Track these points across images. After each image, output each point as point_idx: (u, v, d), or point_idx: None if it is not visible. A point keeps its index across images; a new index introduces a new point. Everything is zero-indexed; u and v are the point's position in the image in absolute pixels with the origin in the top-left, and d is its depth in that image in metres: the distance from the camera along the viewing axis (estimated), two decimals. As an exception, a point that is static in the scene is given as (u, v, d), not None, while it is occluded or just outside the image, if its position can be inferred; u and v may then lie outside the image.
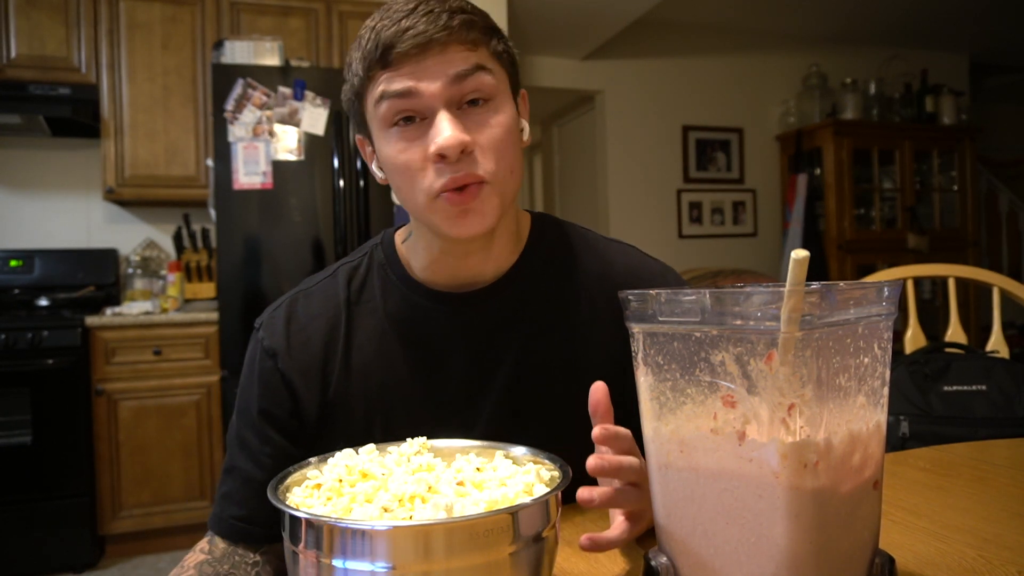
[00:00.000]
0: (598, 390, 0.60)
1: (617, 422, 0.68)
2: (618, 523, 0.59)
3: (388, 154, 0.71)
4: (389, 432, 0.78)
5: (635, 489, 0.59)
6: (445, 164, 0.67)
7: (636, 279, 0.83)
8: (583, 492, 0.57)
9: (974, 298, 4.43)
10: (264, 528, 0.76)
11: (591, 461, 0.56)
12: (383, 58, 0.67)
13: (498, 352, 0.80)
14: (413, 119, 0.69)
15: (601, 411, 0.60)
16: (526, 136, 0.77)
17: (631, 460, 0.58)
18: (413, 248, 0.80)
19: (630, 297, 0.50)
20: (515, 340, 0.80)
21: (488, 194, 0.70)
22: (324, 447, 0.77)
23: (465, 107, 0.69)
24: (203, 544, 0.76)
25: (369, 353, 0.79)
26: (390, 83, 0.67)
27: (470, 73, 0.68)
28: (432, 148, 0.67)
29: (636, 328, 0.50)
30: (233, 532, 0.76)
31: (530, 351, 0.80)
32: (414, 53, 0.66)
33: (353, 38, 0.72)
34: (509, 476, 0.53)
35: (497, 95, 0.71)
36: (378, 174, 0.77)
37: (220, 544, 0.75)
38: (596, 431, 0.58)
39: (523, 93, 0.79)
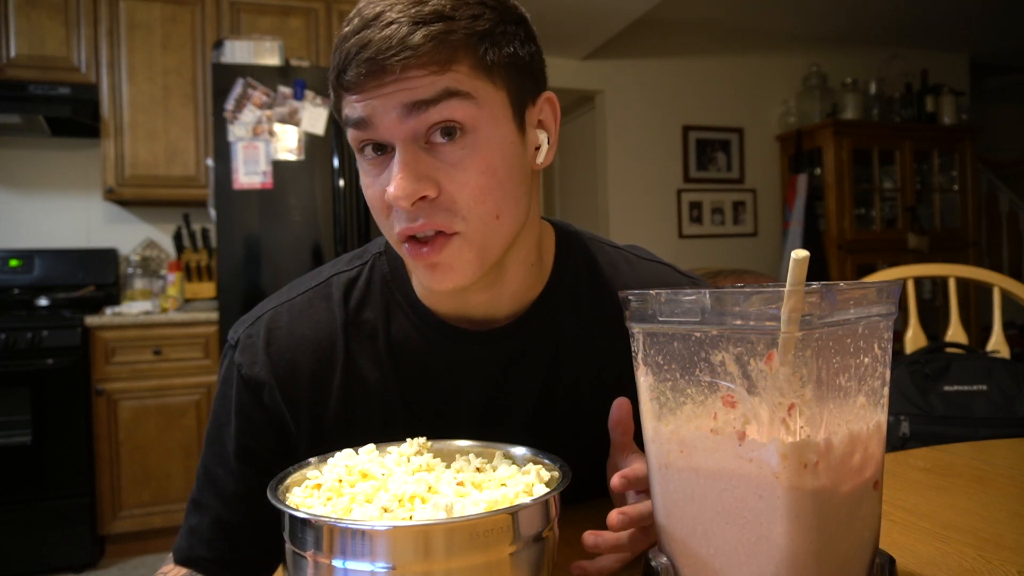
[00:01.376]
0: (621, 407, 0.56)
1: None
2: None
3: (361, 182, 0.62)
4: None
5: (645, 532, 0.56)
6: (401, 210, 0.58)
7: None
8: (588, 537, 0.55)
9: (974, 298, 4.43)
10: (246, 567, 0.70)
11: (613, 518, 0.53)
12: (338, 80, 0.57)
13: (516, 393, 0.71)
14: (384, 147, 0.59)
15: (621, 429, 0.57)
16: (543, 158, 0.64)
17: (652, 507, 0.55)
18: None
19: (630, 297, 0.50)
20: (536, 380, 0.71)
21: (459, 248, 0.59)
22: None
23: (436, 140, 0.57)
24: (175, 572, 0.70)
25: (370, 385, 0.69)
26: (351, 108, 0.58)
27: (433, 102, 0.55)
28: (386, 197, 0.57)
29: (636, 328, 0.50)
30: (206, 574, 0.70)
31: (553, 392, 0.72)
32: (375, 74, 0.55)
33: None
34: (509, 476, 0.53)
35: (479, 125, 0.57)
36: None
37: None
38: (615, 481, 0.55)
39: (547, 97, 0.65)
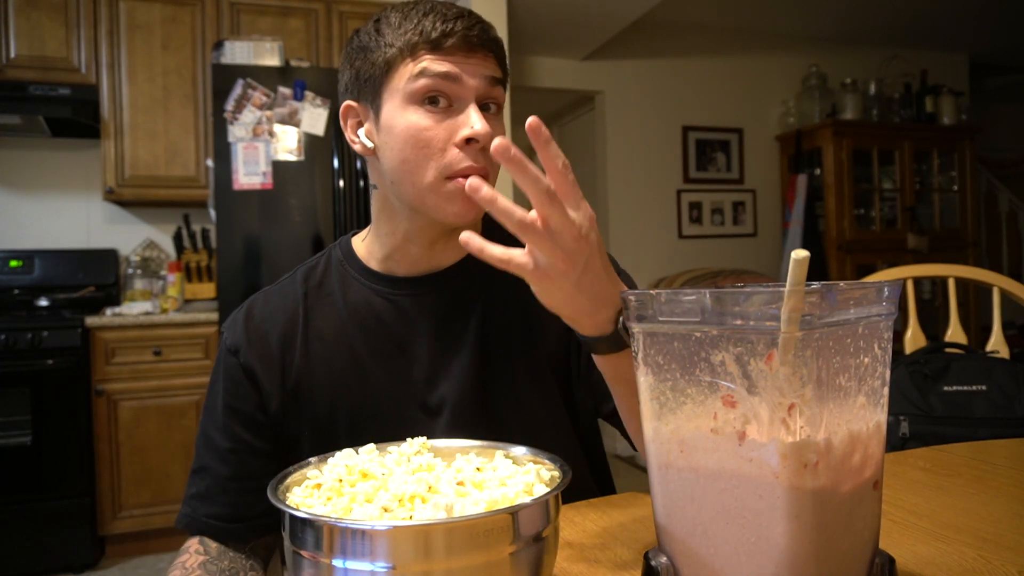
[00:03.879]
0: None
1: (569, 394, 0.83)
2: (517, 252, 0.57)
3: (406, 126, 0.73)
4: (354, 417, 0.80)
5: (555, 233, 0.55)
6: (471, 149, 0.73)
7: None
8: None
9: (974, 298, 4.43)
10: (246, 523, 0.78)
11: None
12: (436, 42, 0.73)
13: (459, 333, 0.82)
14: (438, 101, 0.74)
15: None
16: None
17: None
18: (373, 241, 0.85)
19: (630, 297, 0.50)
20: (475, 320, 0.83)
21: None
22: (290, 435, 0.81)
23: (484, 107, 0.76)
24: (195, 545, 0.77)
25: (329, 342, 0.82)
26: (436, 64, 0.73)
27: (499, 82, 0.77)
28: (467, 132, 0.72)
29: (636, 328, 0.50)
30: (218, 532, 0.78)
31: (491, 331, 0.83)
32: (464, 48, 0.74)
33: (353, 39, 0.78)
34: (509, 476, 0.53)
35: (501, 106, 0.79)
36: (366, 143, 0.78)
37: (212, 543, 0.77)
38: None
39: None
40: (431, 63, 0.73)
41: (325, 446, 0.78)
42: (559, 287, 0.57)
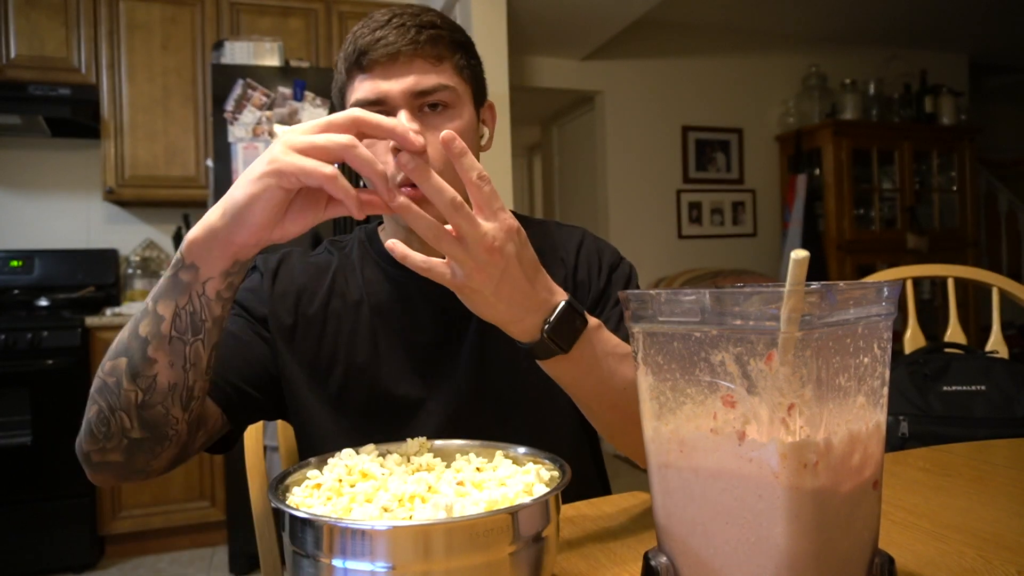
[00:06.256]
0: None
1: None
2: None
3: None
4: (347, 379, 0.82)
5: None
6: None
7: (588, 254, 0.92)
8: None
9: (973, 298, 4.43)
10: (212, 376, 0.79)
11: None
12: (358, 62, 0.77)
13: (461, 321, 0.84)
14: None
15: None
16: (485, 141, 0.88)
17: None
18: (386, 228, 0.92)
19: (630, 297, 0.50)
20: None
21: None
22: (286, 375, 0.82)
23: (426, 110, 0.77)
24: None
25: (343, 308, 0.86)
26: (363, 88, 0.76)
27: (430, 92, 0.76)
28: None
29: (636, 328, 0.50)
30: None
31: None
32: (383, 61, 0.75)
33: (352, 39, 0.81)
34: (509, 476, 0.53)
35: (456, 104, 0.79)
36: None
37: None
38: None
39: (490, 104, 0.88)
40: (360, 87, 0.77)
41: (315, 392, 0.81)
42: (479, 296, 0.59)
